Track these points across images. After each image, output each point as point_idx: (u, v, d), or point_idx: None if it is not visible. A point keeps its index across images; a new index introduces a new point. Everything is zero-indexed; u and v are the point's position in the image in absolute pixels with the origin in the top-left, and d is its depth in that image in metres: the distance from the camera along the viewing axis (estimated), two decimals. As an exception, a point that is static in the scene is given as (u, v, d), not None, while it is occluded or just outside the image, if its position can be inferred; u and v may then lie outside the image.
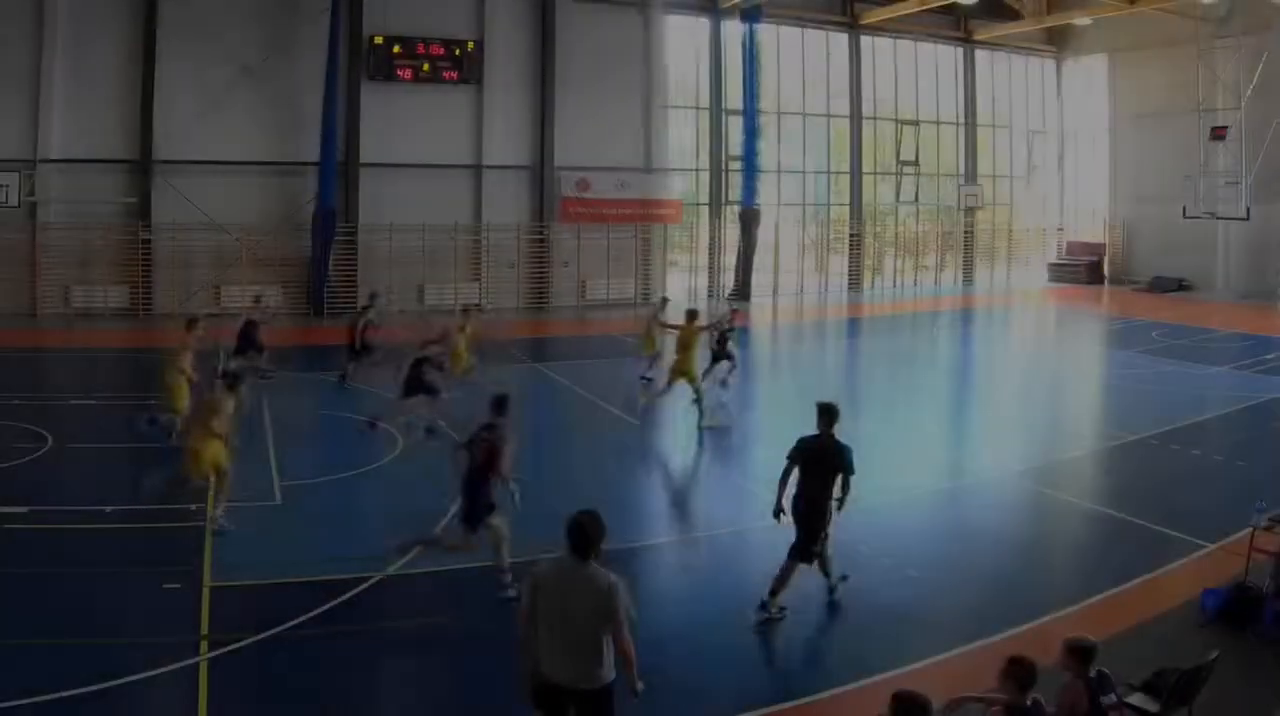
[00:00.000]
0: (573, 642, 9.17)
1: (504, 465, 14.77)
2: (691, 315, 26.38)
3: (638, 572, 15.41)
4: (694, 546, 17.96)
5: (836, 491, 14.28)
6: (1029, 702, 8.96)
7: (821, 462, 14.28)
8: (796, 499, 14.38)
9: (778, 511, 14.37)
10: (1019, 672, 8.99)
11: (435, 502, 17.46)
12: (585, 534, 9.20)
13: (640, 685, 9.23)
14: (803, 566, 14.40)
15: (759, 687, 12.39)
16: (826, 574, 14.87)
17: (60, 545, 16.36)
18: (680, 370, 25.38)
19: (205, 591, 14.51)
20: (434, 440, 22.73)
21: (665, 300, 34.50)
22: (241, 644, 12.86)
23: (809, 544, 14.26)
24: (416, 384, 23.88)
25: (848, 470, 14.13)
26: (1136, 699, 10.80)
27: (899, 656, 12.80)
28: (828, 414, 14.46)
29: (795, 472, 14.44)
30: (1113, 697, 9.85)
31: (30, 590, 14.38)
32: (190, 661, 12.42)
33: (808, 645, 14.09)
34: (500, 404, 15.50)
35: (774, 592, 14.23)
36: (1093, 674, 9.51)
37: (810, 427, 14.40)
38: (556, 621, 9.17)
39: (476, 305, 33.05)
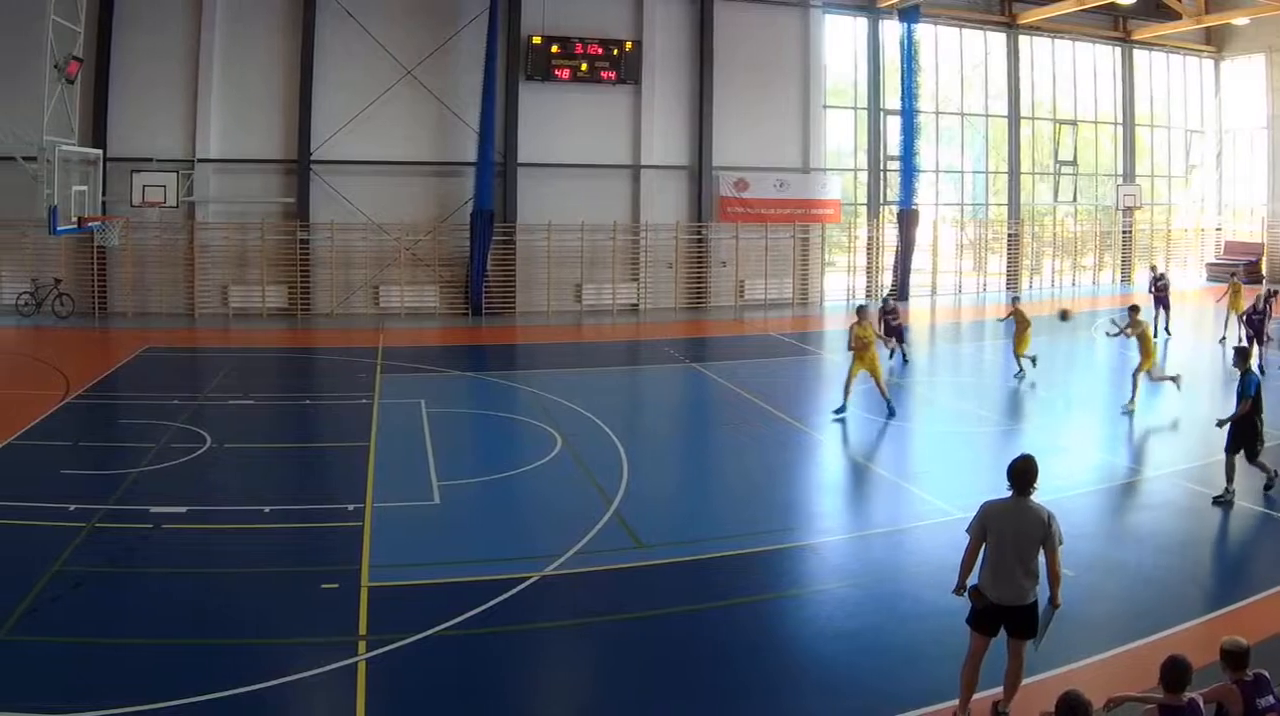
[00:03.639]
0: (1017, 566, 9.91)
1: None
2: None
3: (799, 572, 15.33)
4: (847, 547, 16.22)
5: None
6: (1185, 702, 8.52)
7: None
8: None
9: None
10: (1173, 673, 8.57)
11: (593, 502, 17.43)
12: (1024, 474, 9.98)
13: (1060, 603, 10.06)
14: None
15: (924, 686, 11.02)
16: (1265, 470, 18.06)
17: (219, 545, 15.61)
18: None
19: (363, 591, 13.55)
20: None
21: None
22: (400, 644, 11.99)
23: (1248, 448, 17.78)
24: None
25: (1244, 390, 17.59)
26: (1295, 699, 9.72)
27: (1058, 656, 11.46)
28: (1241, 354, 18.35)
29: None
30: (1270, 699, 8.87)
31: (190, 590, 13.73)
32: (349, 661, 11.62)
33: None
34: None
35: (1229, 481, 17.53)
36: (1249, 676, 8.89)
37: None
38: (1006, 548, 9.92)
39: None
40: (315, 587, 13.66)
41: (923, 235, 49.49)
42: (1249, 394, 17.48)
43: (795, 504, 18.89)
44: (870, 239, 49.62)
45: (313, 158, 39.58)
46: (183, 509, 16.68)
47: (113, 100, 37.60)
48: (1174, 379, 25.47)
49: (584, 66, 42.40)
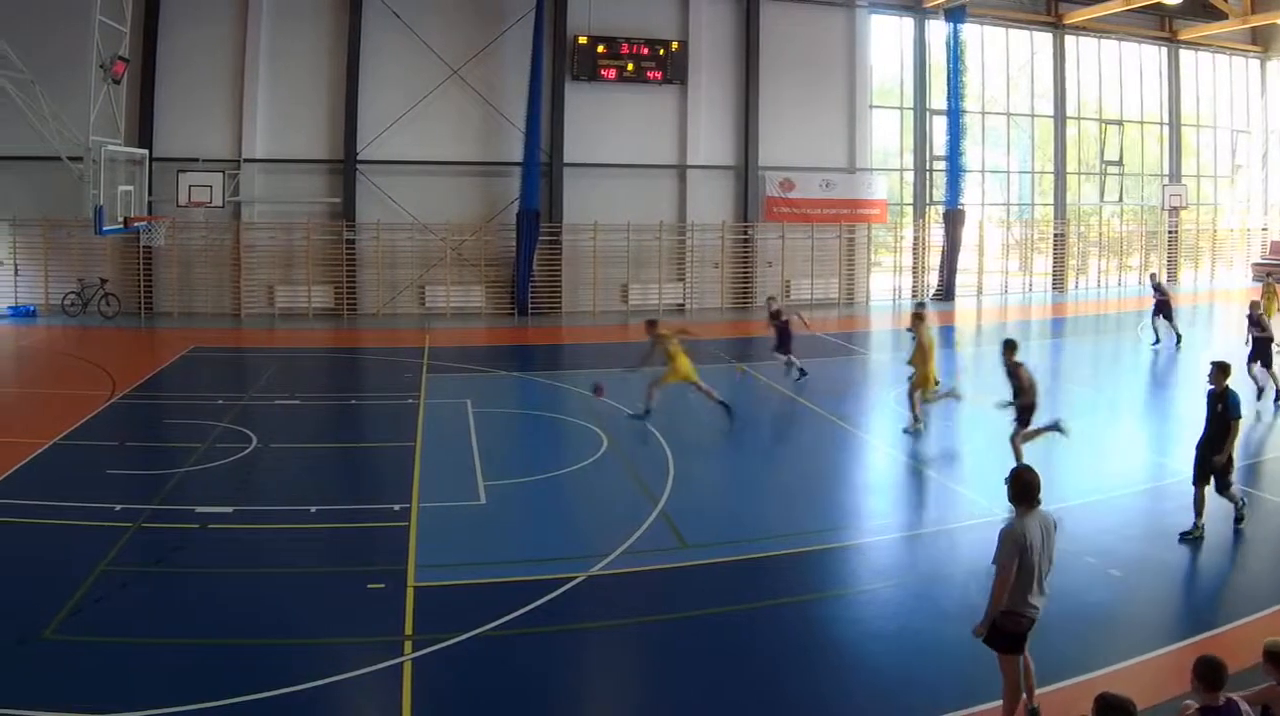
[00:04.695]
0: (1046, 574, 9.87)
1: None
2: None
3: (845, 572, 15.11)
4: (893, 547, 16.00)
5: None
6: (1222, 702, 8.18)
7: (1215, 405, 15.69)
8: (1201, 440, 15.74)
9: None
10: (1207, 673, 8.24)
11: (638, 502, 17.15)
12: (1032, 486, 9.86)
13: None
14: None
15: (969, 686, 10.80)
16: (1230, 499, 15.93)
17: (265, 545, 15.32)
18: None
19: (410, 591, 13.38)
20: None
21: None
22: (446, 644, 11.82)
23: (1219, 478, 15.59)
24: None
25: (1231, 411, 15.44)
26: (1339, 702, 9.34)
27: (1102, 656, 11.50)
28: (1223, 370, 15.76)
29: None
30: None
31: (236, 590, 13.52)
32: (395, 661, 11.43)
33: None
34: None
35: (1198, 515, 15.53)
36: None
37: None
38: (1042, 561, 9.82)
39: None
40: (362, 587, 13.46)
41: (969, 235, 48.31)
42: (1237, 415, 15.68)
43: (840, 504, 18.62)
44: (916, 239, 48.52)
45: (359, 157, 38.88)
46: (229, 509, 16.44)
47: (159, 100, 37.10)
48: (951, 393, 23.42)
49: (630, 66, 41.52)
